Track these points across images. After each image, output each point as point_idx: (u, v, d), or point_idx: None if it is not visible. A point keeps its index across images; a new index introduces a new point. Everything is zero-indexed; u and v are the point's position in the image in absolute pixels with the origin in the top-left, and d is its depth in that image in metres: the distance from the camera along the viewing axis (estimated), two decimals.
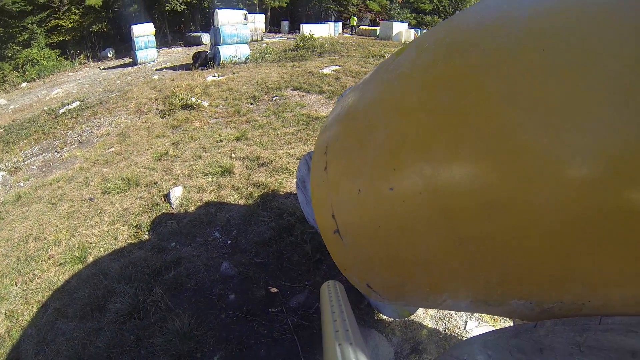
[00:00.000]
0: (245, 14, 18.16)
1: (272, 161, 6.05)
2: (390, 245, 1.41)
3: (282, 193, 5.23)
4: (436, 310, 3.33)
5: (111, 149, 7.59)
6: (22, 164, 8.06)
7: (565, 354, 1.04)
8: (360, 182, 1.46)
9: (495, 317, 3.23)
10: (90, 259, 4.41)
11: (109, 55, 31.14)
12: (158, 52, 23.60)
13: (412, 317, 3.23)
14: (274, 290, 3.57)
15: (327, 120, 2.07)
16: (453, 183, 1.12)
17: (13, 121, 11.67)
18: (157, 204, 5.25)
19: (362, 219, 1.50)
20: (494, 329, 3.07)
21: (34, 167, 7.78)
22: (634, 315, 0.96)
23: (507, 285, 1.15)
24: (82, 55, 30.57)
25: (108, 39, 35.07)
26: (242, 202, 5.13)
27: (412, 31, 32.09)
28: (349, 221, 1.59)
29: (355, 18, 42.99)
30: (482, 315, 3.27)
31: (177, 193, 5.33)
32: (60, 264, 4.42)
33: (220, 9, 18.01)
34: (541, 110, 0.95)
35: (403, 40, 28.46)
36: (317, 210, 1.83)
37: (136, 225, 4.86)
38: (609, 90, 0.86)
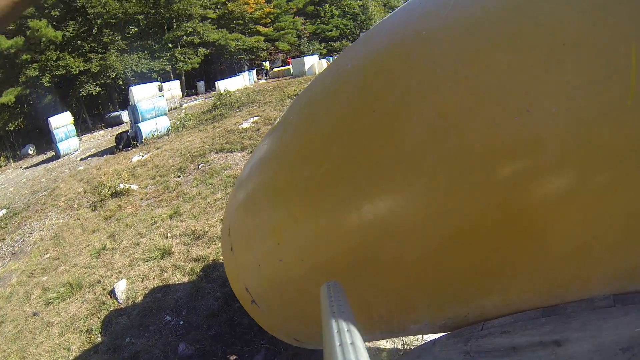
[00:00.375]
0: (160, 85, 18.02)
1: (206, 232, 6.08)
2: (296, 306, 1.55)
3: (221, 261, 5.25)
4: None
5: (47, 255, 7.29)
6: None
7: None
8: (258, 257, 1.57)
9: None
10: None
11: (30, 152, 29.59)
12: (80, 140, 22.85)
13: (369, 343, 3.30)
14: (232, 357, 3.61)
15: (228, 203, 2.20)
16: (324, 248, 1.23)
17: None
18: (104, 303, 5.12)
19: (268, 288, 1.62)
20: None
21: None
22: (508, 315, 1.08)
23: (397, 317, 1.30)
24: (1, 157, 29.10)
25: (27, 135, 33.73)
26: (186, 279, 5.12)
27: (324, 61, 32.61)
28: (259, 292, 1.70)
29: (266, 63, 43.51)
30: None
31: (121, 287, 5.24)
32: None
33: (135, 85, 17.72)
34: (379, 170, 1.05)
35: (317, 72, 28.69)
36: (233, 285, 1.96)
37: (87, 330, 4.71)
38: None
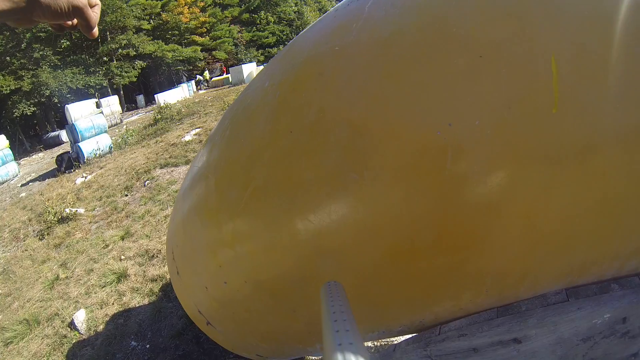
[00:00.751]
0: (97, 102, 17.24)
1: (160, 250, 5.98)
2: (248, 324, 1.51)
3: None
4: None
5: None
6: None
7: None
8: (204, 280, 1.52)
9: None
10: None
11: None
12: (19, 164, 21.24)
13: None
14: None
15: (169, 223, 2.14)
16: (263, 269, 1.22)
17: None
18: (65, 336, 4.93)
19: (219, 310, 1.57)
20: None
21: None
22: (463, 318, 1.08)
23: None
24: None
25: None
26: (146, 301, 5.04)
27: (262, 68, 32.38)
28: (211, 313, 1.66)
29: (207, 72, 42.50)
30: None
31: (80, 317, 5.08)
32: None
33: (71, 103, 16.75)
34: (301, 192, 1.04)
35: None
36: (186, 308, 1.90)
37: None
38: None
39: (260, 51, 52.18)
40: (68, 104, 16.42)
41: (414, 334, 1.24)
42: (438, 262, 0.94)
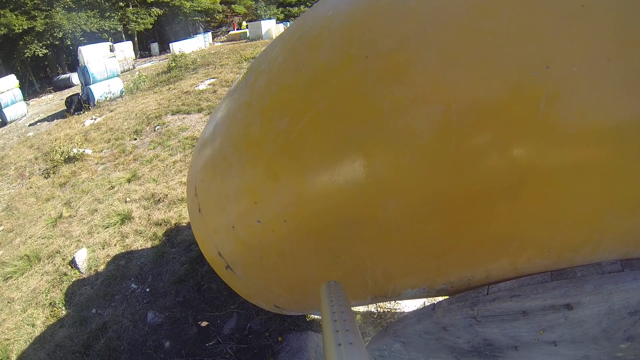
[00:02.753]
0: (112, 46, 16.86)
1: (167, 195, 5.85)
2: (277, 270, 1.41)
3: (184, 224, 5.09)
4: None
5: (0, 228, 6.87)
6: None
7: (466, 326, 1.13)
8: (231, 219, 1.42)
9: None
10: (13, 357, 4.02)
11: None
12: (28, 104, 21.22)
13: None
14: (204, 324, 3.52)
15: (192, 157, 1.99)
16: (310, 206, 1.13)
17: None
18: (66, 274, 4.86)
19: (244, 252, 1.47)
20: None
21: None
22: (514, 279, 1.04)
23: (394, 280, 1.20)
24: None
25: None
26: (148, 245, 4.93)
27: (281, 26, 31.74)
28: (234, 257, 1.56)
29: (245, 22, 41.44)
30: None
31: (82, 256, 4.98)
32: None
33: (84, 45, 16.42)
34: (374, 121, 0.96)
35: (274, 36, 28.06)
36: (205, 250, 1.78)
37: (50, 304, 4.48)
38: None
39: (280, 9, 50.72)
40: (81, 46, 16.10)
41: (454, 295, 1.20)
42: (508, 213, 0.91)
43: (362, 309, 3.29)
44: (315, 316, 3.24)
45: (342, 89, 1.04)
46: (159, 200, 5.83)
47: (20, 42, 31.26)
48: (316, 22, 1.31)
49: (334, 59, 1.10)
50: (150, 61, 31.33)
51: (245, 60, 15.71)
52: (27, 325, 4.31)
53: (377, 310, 3.27)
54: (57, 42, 32.32)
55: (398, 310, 3.22)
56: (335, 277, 1.20)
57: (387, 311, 3.24)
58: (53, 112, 16.98)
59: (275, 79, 1.31)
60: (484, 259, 1.04)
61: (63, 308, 4.38)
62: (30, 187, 8.06)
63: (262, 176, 1.24)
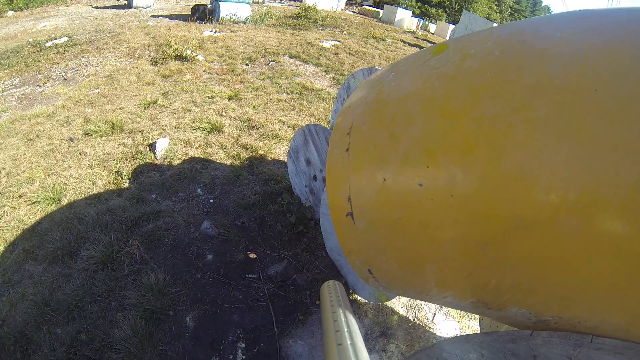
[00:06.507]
0: None
1: (262, 125, 5.89)
2: (408, 237, 1.38)
3: (269, 159, 5.09)
4: (408, 299, 3.35)
5: (97, 90, 7.23)
6: (0, 94, 7.65)
7: None
8: (387, 171, 1.41)
9: (461, 313, 3.36)
10: (65, 202, 4.20)
11: None
12: None
13: (384, 303, 3.24)
14: (252, 255, 3.48)
15: (349, 101, 1.98)
16: (488, 192, 1.12)
17: None
18: (141, 153, 5.04)
19: (383, 207, 1.44)
20: (458, 324, 3.30)
21: (13, 99, 7.36)
22: (620, 340, 1.03)
23: (514, 293, 1.18)
24: None
25: None
26: (228, 162, 4.98)
27: (415, 20, 31.69)
28: (366, 207, 1.53)
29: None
30: (450, 310, 3.34)
31: (163, 144, 5.12)
32: (33, 203, 4.19)
33: None
34: (588, 146, 0.96)
35: (405, 27, 27.99)
36: (332, 190, 1.76)
37: (117, 172, 4.66)
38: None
39: (418, 4, 50.35)
40: None
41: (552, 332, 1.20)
42: None
43: (400, 311, 3.23)
44: (358, 297, 3.20)
45: (564, 107, 1.05)
46: (253, 126, 5.88)
47: None
48: (542, 36, 1.32)
49: (564, 79, 1.10)
50: (280, 2, 32.03)
51: (373, 39, 15.70)
52: (89, 180, 4.50)
53: (413, 320, 3.18)
54: None
55: (431, 330, 3.14)
56: (465, 266, 1.25)
57: (421, 325, 3.15)
58: (177, 13, 17.77)
59: (491, 67, 1.31)
60: (611, 310, 1.04)
61: (127, 181, 4.52)
62: (136, 67, 8.46)
63: (449, 146, 1.23)
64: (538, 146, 1.03)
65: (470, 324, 3.26)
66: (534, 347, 1.18)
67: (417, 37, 22.96)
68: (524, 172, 1.04)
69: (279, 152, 5.28)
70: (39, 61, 9.29)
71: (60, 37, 11.67)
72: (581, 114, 1.01)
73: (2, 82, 8.26)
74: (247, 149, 5.26)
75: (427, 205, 1.26)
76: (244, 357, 2.74)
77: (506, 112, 1.14)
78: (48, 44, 10.77)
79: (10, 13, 20.83)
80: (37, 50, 10.30)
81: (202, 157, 5.04)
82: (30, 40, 11.34)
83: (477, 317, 3.30)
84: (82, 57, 9.51)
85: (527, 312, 1.21)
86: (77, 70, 8.59)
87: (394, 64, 1.92)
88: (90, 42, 10.91)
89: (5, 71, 8.88)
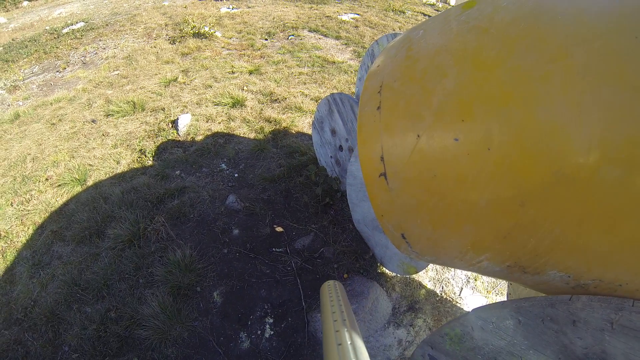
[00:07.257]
0: None
1: (285, 98, 5.78)
2: (443, 196, 1.35)
3: (293, 132, 4.99)
4: (435, 272, 3.32)
5: (116, 72, 7.24)
6: (21, 82, 7.71)
7: (597, 328, 1.14)
8: (421, 127, 1.37)
9: (488, 288, 3.33)
10: (90, 182, 4.22)
11: None
12: None
13: (412, 276, 3.20)
14: (279, 229, 3.42)
15: (375, 64, 1.90)
16: (526, 145, 1.08)
17: (13, 40, 11.11)
18: (164, 130, 5.02)
19: (417, 165, 1.40)
20: (485, 299, 3.26)
21: (34, 86, 7.45)
22: None
23: (553, 254, 1.15)
24: None
25: None
26: (252, 136, 4.91)
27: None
28: (400, 165, 1.48)
29: None
30: (477, 284, 3.30)
31: (185, 120, 5.08)
32: (59, 185, 4.23)
33: None
34: (631, 91, 0.93)
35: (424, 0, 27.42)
36: (364, 151, 1.69)
37: (140, 150, 4.65)
38: None
39: None
40: None
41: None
42: None
43: (428, 285, 3.20)
44: (385, 270, 3.15)
45: (604, 54, 1.01)
46: (275, 100, 5.78)
47: None
48: None
49: (603, 26, 1.07)
50: None
51: (393, 11, 15.32)
52: (113, 160, 4.50)
53: (440, 294, 3.14)
54: None
55: (458, 304, 3.10)
56: (502, 226, 1.21)
57: (448, 300, 3.12)
58: None
59: (525, 18, 1.28)
60: None
61: (150, 158, 4.50)
62: (154, 47, 8.42)
63: (484, 98, 1.20)
64: (577, 94, 1.00)
65: (497, 300, 3.16)
66: (573, 311, 1.19)
67: (437, 10, 22.33)
68: (564, 122, 1.01)
69: (303, 124, 5.18)
70: (57, 47, 9.36)
71: (77, 22, 11.70)
72: (622, 61, 0.97)
73: (22, 71, 8.36)
74: (270, 122, 5.17)
75: (464, 161, 1.22)
76: (272, 332, 2.70)
77: (543, 61, 1.10)
78: (65, 30, 10.82)
79: (26, 3, 21.03)
80: (55, 37, 10.37)
81: (225, 131, 4.98)
82: (47, 28, 11.43)
83: (505, 292, 3.25)
84: (100, 40, 9.53)
85: (566, 275, 1.19)
86: (96, 53, 8.62)
87: (422, 23, 1.84)
88: (107, 25, 10.92)
89: (25, 60, 8.98)
